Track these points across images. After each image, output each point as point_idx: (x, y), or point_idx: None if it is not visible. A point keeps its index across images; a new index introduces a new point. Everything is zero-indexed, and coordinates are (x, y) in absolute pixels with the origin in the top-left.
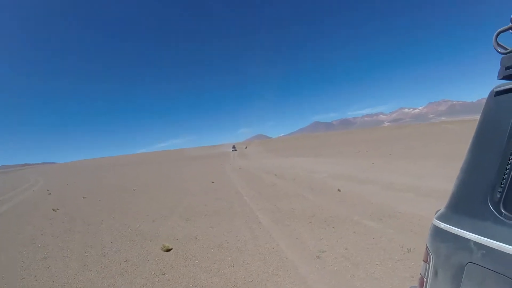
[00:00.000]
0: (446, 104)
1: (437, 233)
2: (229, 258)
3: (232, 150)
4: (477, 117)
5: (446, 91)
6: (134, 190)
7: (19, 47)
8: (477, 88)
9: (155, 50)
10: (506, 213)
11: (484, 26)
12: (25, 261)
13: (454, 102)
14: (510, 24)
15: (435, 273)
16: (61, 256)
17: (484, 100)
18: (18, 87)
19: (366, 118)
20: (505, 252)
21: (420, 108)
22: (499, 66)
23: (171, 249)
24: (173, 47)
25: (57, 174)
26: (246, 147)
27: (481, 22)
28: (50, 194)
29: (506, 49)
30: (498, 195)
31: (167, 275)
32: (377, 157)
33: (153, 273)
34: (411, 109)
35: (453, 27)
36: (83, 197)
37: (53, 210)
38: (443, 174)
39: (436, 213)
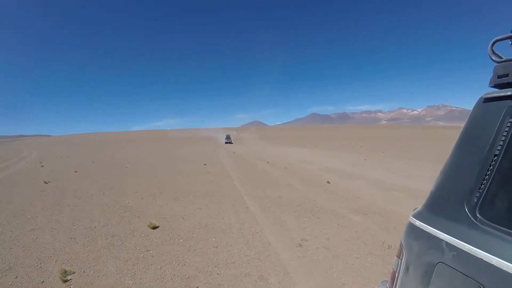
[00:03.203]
0: (445, 109)
1: (412, 230)
2: (213, 239)
3: (226, 142)
4: None
5: (447, 96)
6: (126, 167)
7: (22, 18)
8: (479, 97)
9: (160, 29)
10: (481, 218)
11: (491, 35)
12: (14, 232)
13: (453, 108)
14: (510, 33)
15: (407, 269)
16: (49, 228)
17: None
18: (16, 59)
19: (364, 114)
20: (475, 256)
21: (419, 110)
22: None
23: (157, 227)
24: (182, 28)
25: (51, 147)
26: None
27: (487, 33)
28: (42, 166)
29: (501, 57)
30: (475, 200)
31: (151, 252)
32: (370, 154)
33: (138, 248)
34: (410, 110)
35: (459, 34)
36: (75, 171)
37: (45, 182)
38: (434, 177)
39: (413, 210)
